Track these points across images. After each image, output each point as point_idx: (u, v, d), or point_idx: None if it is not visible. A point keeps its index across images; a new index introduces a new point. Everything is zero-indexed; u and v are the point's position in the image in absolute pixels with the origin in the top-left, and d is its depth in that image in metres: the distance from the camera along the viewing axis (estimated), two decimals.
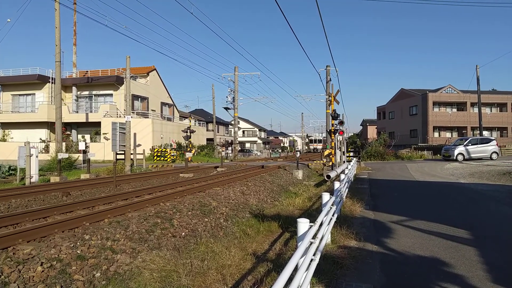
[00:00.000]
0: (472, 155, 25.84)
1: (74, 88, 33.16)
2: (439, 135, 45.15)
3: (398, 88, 58.11)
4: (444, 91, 45.28)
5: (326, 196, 5.81)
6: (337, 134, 18.74)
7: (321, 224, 4.36)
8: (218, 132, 53.52)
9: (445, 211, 8.95)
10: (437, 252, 5.51)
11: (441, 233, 6.65)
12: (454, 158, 25.72)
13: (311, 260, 3.53)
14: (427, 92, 44.28)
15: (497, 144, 27.11)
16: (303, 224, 3.94)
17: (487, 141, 27.03)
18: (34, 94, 33.54)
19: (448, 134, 45.33)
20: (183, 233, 7.02)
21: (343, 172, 11.61)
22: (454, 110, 45.41)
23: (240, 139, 57.01)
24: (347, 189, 10.73)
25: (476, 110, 38.56)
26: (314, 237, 3.67)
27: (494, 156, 25.94)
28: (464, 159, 25.62)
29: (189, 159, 19.36)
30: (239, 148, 49.02)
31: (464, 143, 26.39)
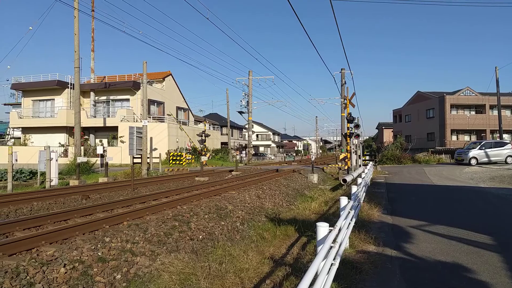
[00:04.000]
0: (486, 159, 25.17)
1: (92, 93, 33.94)
2: (457, 139, 44.24)
3: (415, 91, 57.35)
4: (462, 94, 44.38)
5: (344, 200, 5.78)
6: (352, 137, 18.52)
7: (340, 228, 4.34)
8: (232, 136, 53.72)
9: (466, 216, 8.76)
10: (458, 258, 5.39)
11: (462, 238, 6.51)
12: (467, 162, 25.08)
13: (331, 264, 3.51)
14: (445, 94, 43.49)
15: None
16: (322, 228, 3.93)
17: (501, 144, 26.24)
18: (54, 99, 34.48)
19: (466, 137, 44.35)
20: (200, 236, 7.06)
21: (359, 176, 11.49)
22: (473, 112, 44.46)
23: (254, 142, 57.02)
24: (364, 193, 10.61)
25: (495, 112, 37.69)
26: (333, 241, 3.65)
27: (510, 160, 25.16)
28: (478, 163, 24.94)
29: (204, 163, 19.49)
30: (253, 152, 49.05)
31: (478, 147, 25.71)
